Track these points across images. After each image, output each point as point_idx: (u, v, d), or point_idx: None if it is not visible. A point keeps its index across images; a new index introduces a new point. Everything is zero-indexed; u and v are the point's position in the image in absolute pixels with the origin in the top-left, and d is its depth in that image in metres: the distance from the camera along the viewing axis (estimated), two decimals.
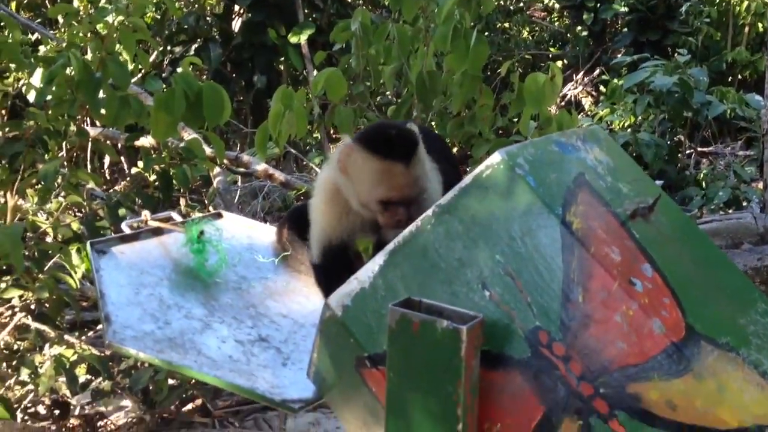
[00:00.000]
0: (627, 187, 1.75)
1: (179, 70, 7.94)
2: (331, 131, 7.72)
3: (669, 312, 1.51)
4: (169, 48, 7.80)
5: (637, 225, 1.65)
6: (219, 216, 2.68)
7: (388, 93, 7.30)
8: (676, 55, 7.79)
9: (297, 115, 4.01)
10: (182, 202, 6.63)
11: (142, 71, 6.52)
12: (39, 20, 7.15)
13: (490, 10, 4.67)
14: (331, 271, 2.28)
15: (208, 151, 5.00)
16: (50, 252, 3.72)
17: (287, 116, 4.00)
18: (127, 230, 2.40)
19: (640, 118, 7.48)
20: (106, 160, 7.43)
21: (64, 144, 4.18)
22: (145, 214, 2.45)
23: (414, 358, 1.48)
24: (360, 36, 4.51)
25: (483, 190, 1.62)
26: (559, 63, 11.43)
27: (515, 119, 5.13)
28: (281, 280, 2.42)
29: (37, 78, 3.71)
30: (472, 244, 1.60)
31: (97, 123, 5.66)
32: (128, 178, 7.50)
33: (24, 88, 4.06)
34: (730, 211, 6.72)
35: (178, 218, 2.51)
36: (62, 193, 4.10)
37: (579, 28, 12.04)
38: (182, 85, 3.46)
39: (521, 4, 12.48)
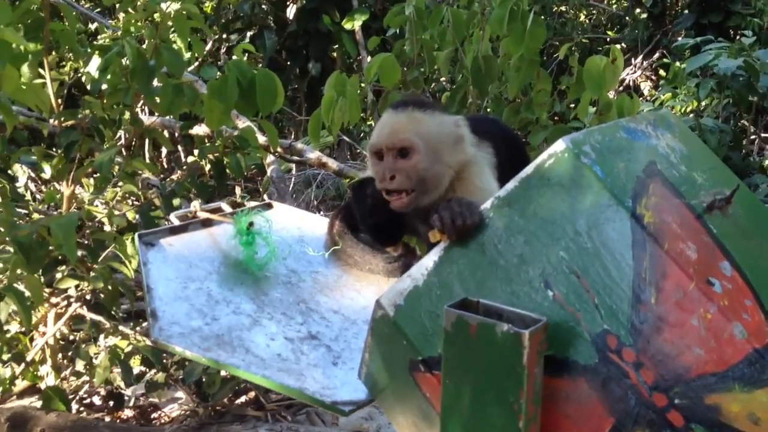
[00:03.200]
0: (702, 177, 1.62)
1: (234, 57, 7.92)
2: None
3: (751, 315, 1.38)
4: (225, 36, 7.78)
5: (714, 219, 1.52)
6: (269, 206, 2.60)
7: (442, 79, 7.17)
8: (740, 37, 7.47)
9: (350, 101, 3.93)
10: (237, 190, 6.64)
11: (199, 59, 6.52)
12: (98, 10, 7.19)
13: None
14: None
15: (261, 139, 4.95)
16: (106, 242, 3.71)
17: (340, 103, 3.92)
18: (175, 221, 2.33)
19: (703, 102, 7.20)
20: (164, 148, 7.46)
21: (120, 133, 4.17)
22: (194, 204, 2.39)
23: (472, 364, 1.38)
24: (414, 20, 4.40)
25: (545, 181, 1.50)
26: (617, 47, 11.15)
27: (572, 105, 4.98)
28: (332, 274, 2.33)
29: (94, 67, 3.69)
30: (533, 239, 1.49)
31: (152, 112, 5.68)
32: (184, 167, 7.54)
33: (84, 78, 4.05)
34: None
35: (227, 209, 2.44)
36: (119, 183, 4.10)
37: (638, 10, 11.71)
38: (235, 72, 3.40)
39: None
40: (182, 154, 7.31)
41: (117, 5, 6.78)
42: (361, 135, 8.25)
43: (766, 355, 1.34)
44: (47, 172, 3.93)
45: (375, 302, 1.59)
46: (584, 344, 1.42)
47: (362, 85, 4.44)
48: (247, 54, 5.31)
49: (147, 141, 6.35)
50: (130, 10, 4.73)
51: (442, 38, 4.38)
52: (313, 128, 4.15)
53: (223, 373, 3.87)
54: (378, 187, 2.13)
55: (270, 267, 2.25)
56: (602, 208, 1.46)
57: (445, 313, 1.41)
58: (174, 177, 7.21)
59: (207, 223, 2.37)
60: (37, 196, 5.81)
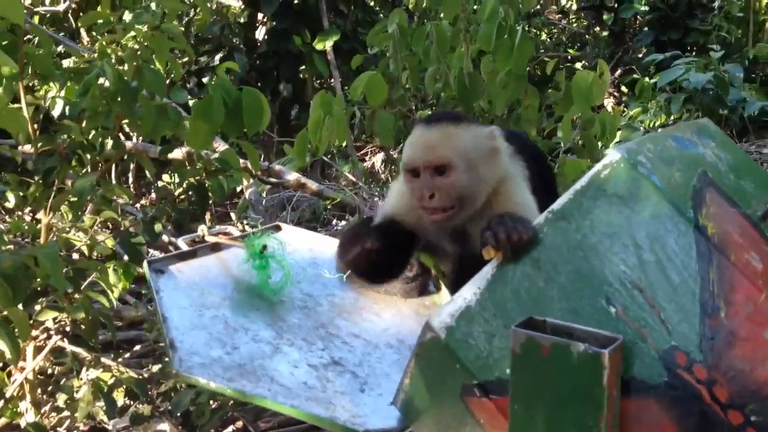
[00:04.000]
0: (751, 186, 1.57)
1: (204, 80, 7.75)
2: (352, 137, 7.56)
3: None
4: (193, 59, 7.65)
5: None
6: (278, 228, 2.51)
7: (410, 98, 7.11)
8: (710, 52, 7.59)
9: (337, 121, 3.86)
10: (207, 215, 6.48)
11: (169, 81, 6.38)
12: (62, 33, 7.03)
13: (530, 8, 4.52)
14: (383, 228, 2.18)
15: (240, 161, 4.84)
16: (87, 271, 3.57)
17: (328, 122, 3.85)
18: (184, 247, 2.24)
19: (672, 117, 7.27)
20: (130, 174, 7.30)
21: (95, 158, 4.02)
22: (202, 228, 2.30)
23: (544, 388, 1.30)
24: (398, 38, 4.35)
25: (602, 192, 1.44)
26: (579, 64, 11.31)
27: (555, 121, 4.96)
28: (348, 297, 2.24)
29: (62, 91, 3.56)
30: (592, 254, 1.42)
31: (123, 136, 5.52)
32: (154, 192, 7.37)
33: (48, 103, 3.91)
34: None
35: (236, 232, 2.34)
36: (90, 208, 3.95)
37: (597, 28, 11.89)
38: (220, 92, 3.30)
39: (538, 7, 12.36)
40: (152, 179, 7.14)
41: (83, 31, 6.64)
42: (329, 155, 8.16)
43: None
44: (11, 200, 3.76)
45: (424, 324, 1.51)
46: (652, 362, 1.35)
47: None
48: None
49: (115, 166, 6.19)
50: (98, 35, 4.61)
51: (426, 56, 4.34)
52: (299, 148, 4.07)
53: (212, 403, 3.74)
54: (416, 205, 2.04)
55: (285, 291, 2.16)
56: (663, 220, 1.40)
57: (513, 334, 1.33)
58: (144, 202, 7.05)
59: (216, 248, 2.27)
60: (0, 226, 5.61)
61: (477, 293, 1.47)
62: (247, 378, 1.82)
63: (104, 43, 4.09)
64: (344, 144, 7.58)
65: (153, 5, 3.75)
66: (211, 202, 6.20)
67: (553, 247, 1.45)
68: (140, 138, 6.15)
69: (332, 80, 7.72)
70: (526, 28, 11.44)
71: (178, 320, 1.92)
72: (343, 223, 6.30)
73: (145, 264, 2.10)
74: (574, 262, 1.43)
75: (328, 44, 7.18)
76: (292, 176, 5.60)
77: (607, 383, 1.25)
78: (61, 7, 6.84)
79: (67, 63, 6.03)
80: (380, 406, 1.83)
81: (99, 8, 4.72)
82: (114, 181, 6.07)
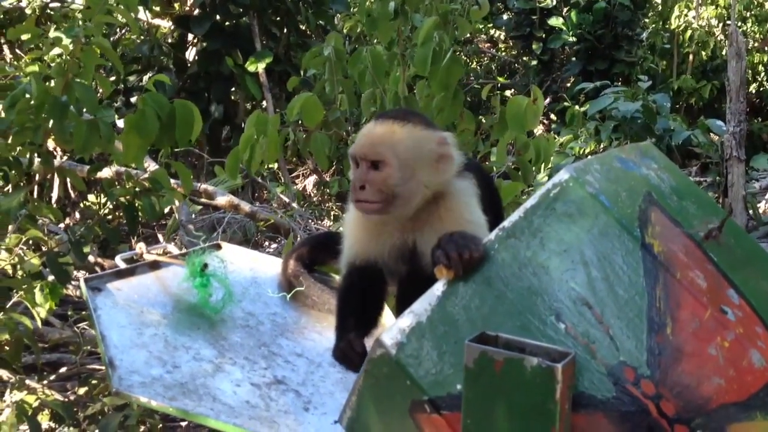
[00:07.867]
0: (692, 207, 1.62)
1: (133, 99, 7.60)
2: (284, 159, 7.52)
3: (765, 342, 1.37)
4: (121, 77, 7.53)
5: (711, 247, 1.51)
6: (218, 247, 2.47)
7: (345, 121, 7.13)
8: (638, 82, 7.84)
9: (270, 141, 3.83)
10: (131, 236, 6.33)
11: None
12: None
13: (466, 33, 4.58)
14: (351, 295, 2.10)
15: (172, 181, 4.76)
16: (12, 290, 3.45)
17: (261, 142, 3.81)
18: (122, 264, 2.18)
19: (603, 144, 7.45)
20: (54, 193, 7.11)
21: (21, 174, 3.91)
22: (140, 246, 2.25)
23: (497, 402, 1.31)
24: (334, 61, 4.35)
25: (551, 211, 1.46)
26: (508, 92, 11.53)
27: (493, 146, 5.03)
28: (291, 316, 2.23)
29: None
30: (541, 271, 1.44)
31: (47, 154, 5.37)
32: (78, 213, 7.18)
33: None
34: None
35: (175, 250, 2.30)
36: (13, 227, 3.83)
37: (527, 57, 12.17)
38: (152, 105, 3.25)
39: (468, 35, 12.57)
40: (81, 196, 6.99)
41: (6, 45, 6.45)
42: (260, 177, 8.09)
43: None
44: None
45: (374, 341, 1.50)
46: (600, 377, 1.37)
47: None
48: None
49: (38, 185, 6.01)
50: (24, 50, 4.49)
51: (362, 79, 4.35)
52: (231, 166, 4.02)
53: (142, 427, 3.65)
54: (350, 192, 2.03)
55: (226, 310, 2.12)
56: (611, 238, 1.43)
57: (467, 348, 1.34)
58: (67, 222, 6.86)
59: (154, 266, 2.23)
60: None
61: (428, 310, 1.47)
62: (189, 397, 1.78)
63: (28, 60, 3.99)
64: (276, 166, 7.55)
65: (80, 21, 3.67)
66: (153, 221, 6.05)
67: (504, 265, 1.46)
68: (64, 157, 6.02)
69: (264, 102, 7.68)
70: (457, 54, 11.64)
71: (117, 339, 1.88)
72: (275, 246, 6.26)
73: (81, 281, 2.04)
74: (524, 279, 1.44)
75: (261, 66, 7.15)
76: (225, 197, 5.54)
77: (560, 397, 1.27)
78: None
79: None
80: (324, 425, 1.82)
81: (24, 23, 4.61)
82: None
